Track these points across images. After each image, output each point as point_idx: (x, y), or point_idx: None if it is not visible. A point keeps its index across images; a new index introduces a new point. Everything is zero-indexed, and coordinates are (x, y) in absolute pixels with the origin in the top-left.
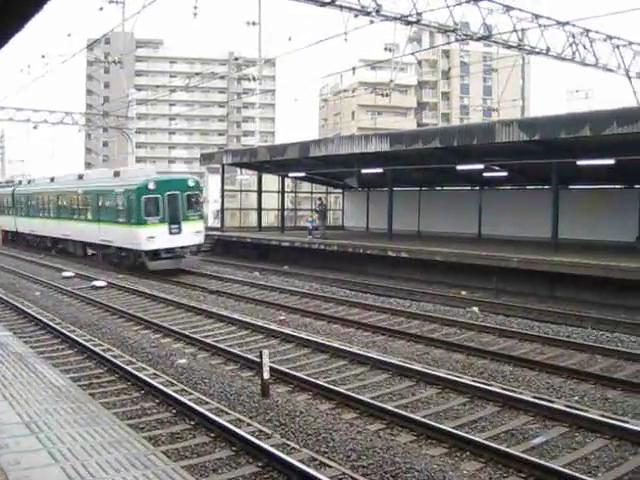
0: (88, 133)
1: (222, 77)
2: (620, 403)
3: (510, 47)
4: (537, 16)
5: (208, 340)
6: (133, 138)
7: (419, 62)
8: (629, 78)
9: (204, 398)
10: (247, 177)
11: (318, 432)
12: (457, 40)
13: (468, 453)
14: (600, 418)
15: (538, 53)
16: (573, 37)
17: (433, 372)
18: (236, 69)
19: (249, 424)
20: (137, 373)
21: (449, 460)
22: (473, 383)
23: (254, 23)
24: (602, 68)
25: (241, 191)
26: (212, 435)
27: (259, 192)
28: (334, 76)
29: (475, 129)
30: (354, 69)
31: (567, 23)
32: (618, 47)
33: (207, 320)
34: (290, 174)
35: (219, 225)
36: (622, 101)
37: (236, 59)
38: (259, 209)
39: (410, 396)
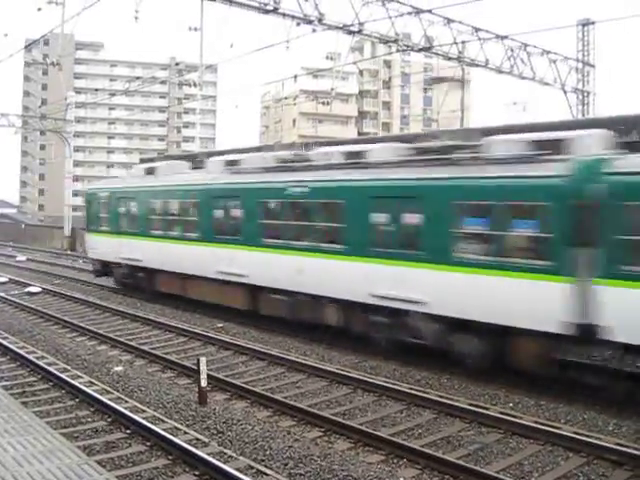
0: (25, 136)
1: (163, 82)
2: (553, 409)
3: (450, 59)
4: (477, 29)
5: (145, 347)
6: (71, 142)
7: (360, 71)
8: (564, 92)
9: (140, 406)
10: None
11: (256, 440)
12: (398, 51)
13: (405, 460)
14: (534, 424)
15: (477, 65)
16: (512, 51)
17: (370, 380)
18: (177, 74)
19: (186, 432)
20: (72, 381)
21: (386, 467)
22: (410, 391)
23: (196, 29)
24: (539, 82)
25: None
26: (148, 444)
27: None
28: (276, 83)
29: None
30: (296, 77)
31: (506, 37)
32: (555, 62)
33: (144, 327)
34: None
35: None
36: (557, 113)
37: (177, 64)
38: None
39: (348, 403)
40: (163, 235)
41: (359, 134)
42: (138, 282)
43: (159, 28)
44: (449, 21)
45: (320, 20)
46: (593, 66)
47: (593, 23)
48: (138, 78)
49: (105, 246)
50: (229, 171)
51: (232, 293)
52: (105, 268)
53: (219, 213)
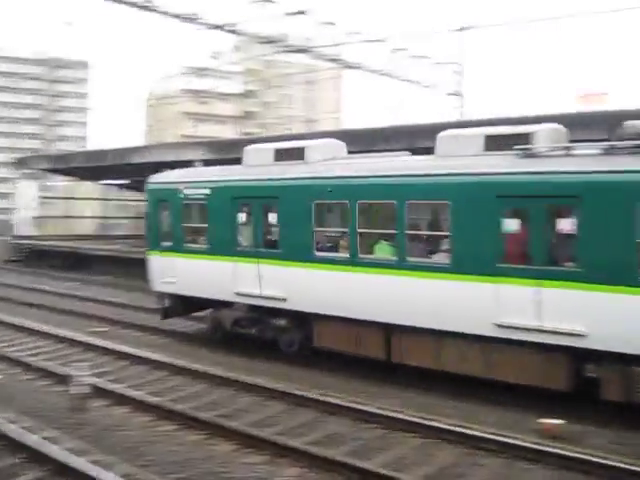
0: None
1: (34, 79)
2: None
3: (329, 60)
4: (356, 33)
5: (21, 355)
6: None
7: (243, 71)
8: (442, 95)
9: (15, 416)
10: (67, 183)
11: (137, 446)
12: (279, 51)
13: (288, 459)
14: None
15: (356, 67)
16: (390, 54)
17: (252, 381)
18: (49, 70)
19: (63, 441)
20: None
21: (269, 467)
22: (292, 391)
23: (70, 23)
24: (417, 84)
25: (58, 198)
26: (24, 456)
27: (79, 199)
28: (160, 82)
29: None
30: (177, 76)
31: (384, 40)
32: (433, 65)
33: (19, 334)
34: (108, 181)
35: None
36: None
37: (49, 60)
38: (84, 217)
39: (230, 405)
40: (350, 260)
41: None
42: (269, 332)
43: (31, 22)
44: (329, 24)
45: (196, 19)
46: (464, 70)
47: (468, 29)
48: (5, 73)
49: (195, 274)
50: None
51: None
52: (186, 307)
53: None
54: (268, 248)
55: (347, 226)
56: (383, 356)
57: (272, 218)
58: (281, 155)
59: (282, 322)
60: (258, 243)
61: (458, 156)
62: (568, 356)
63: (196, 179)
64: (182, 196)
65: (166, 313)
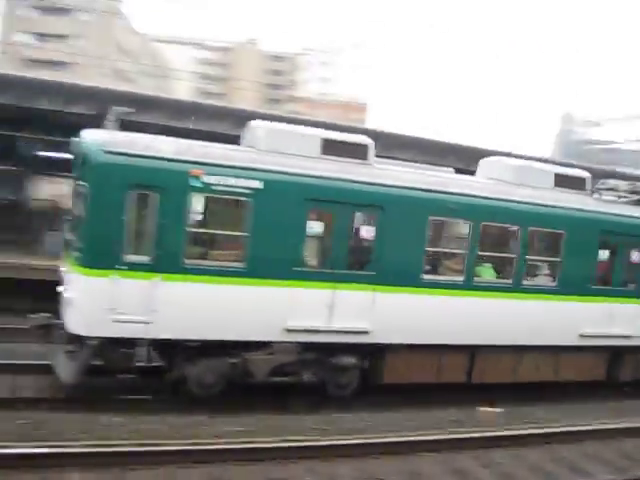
0: None
1: None
2: None
3: None
4: None
5: None
6: None
7: None
8: None
9: None
10: None
11: None
12: None
13: None
14: None
15: None
16: None
17: None
18: None
19: None
20: None
21: None
22: None
23: None
24: None
25: None
26: None
27: None
28: None
29: None
30: None
31: None
32: None
33: None
34: None
35: None
36: None
37: None
38: None
39: None
40: (465, 284)
41: None
42: (323, 374)
43: None
44: None
45: None
46: None
47: None
48: None
49: (206, 306)
50: None
51: None
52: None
53: None
54: (352, 269)
55: (466, 247)
56: (464, 379)
57: (366, 232)
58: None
59: (351, 360)
60: (336, 263)
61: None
62: None
63: (231, 162)
64: (196, 185)
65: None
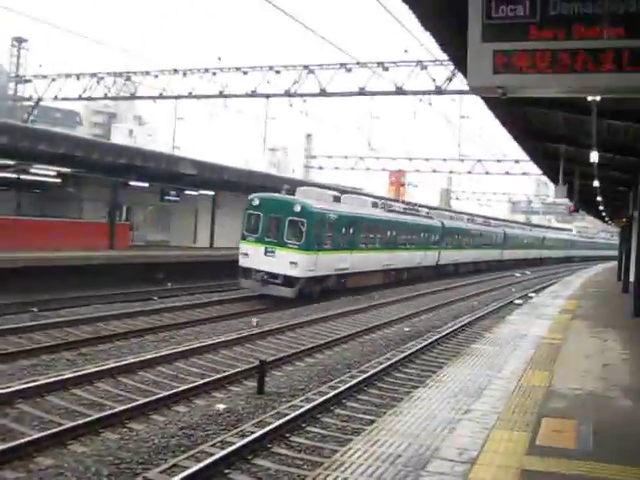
0: None
1: None
2: None
3: None
4: None
5: None
6: None
7: None
8: None
9: None
10: None
11: None
12: None
13: None
14: None
15: None
16: None
17: None
18: None
19: None
20: None
21: None
22: None
23: None
24: None
25: None
26: None
27: None
28: None
29: None
30: None
31: None
32: None
33: None
34: None
35: None
36: None
37: None
38: None
39: None
40: None
41: None
42: None
43: None
44: None
45: None
46: None
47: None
48: None
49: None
50: None
51: None
52: None
53: None
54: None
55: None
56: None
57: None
58: None
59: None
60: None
61: None
62: None
63: (336, 208)
64: (329, 217)
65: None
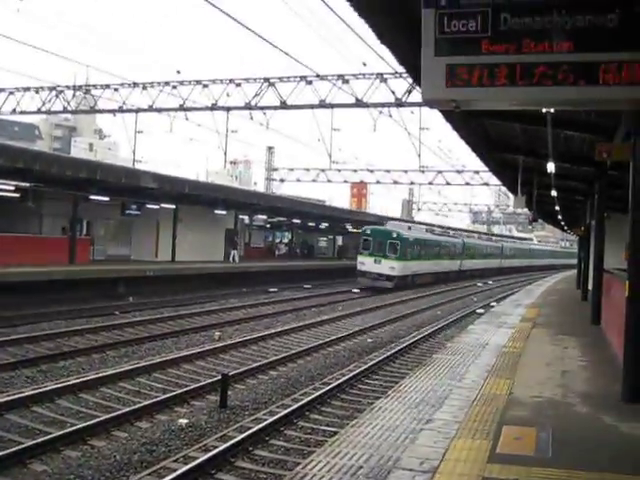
0: None
1: None
2: None
3: None
4: None
5: None
6: None
7: None
8: None
9: None
10: None
11: None
12: None
13: None
14: None
15: None
16: None
17: None
18: None
19: None
20: None
21: None
22: None
23: None
24: None
25: None
26: None
27: None
28: None
29: None
30: None
31: None
32: None
33: None
34: None
35: None
36: None
37: None
38: None
39: None
40: None
41: None
42: None
43: None
44: None
45: None
46: None
47: None
48: None
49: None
50: None
51: None
52: None
53: None
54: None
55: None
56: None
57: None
58: None
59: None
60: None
61: None
62: None
63: (418, 235)
64: (410, 240)
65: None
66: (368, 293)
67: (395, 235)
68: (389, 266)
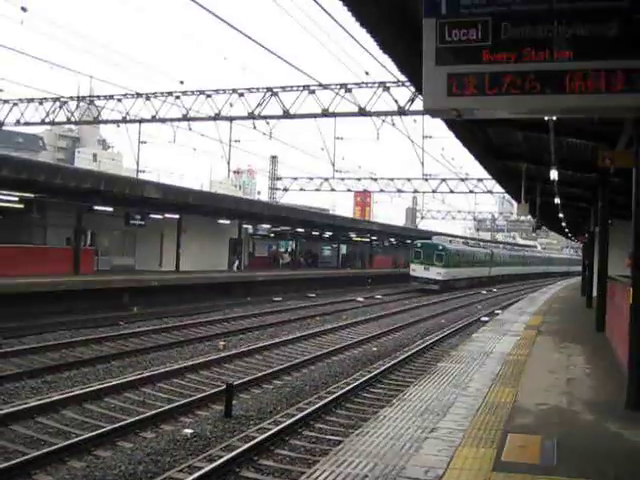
0: None
1: None
2: None
3: None
4: None
5: None
6: None
7: None
8: None
9: None
10: None
11: None
12: None
13: None
14: None
15: None
16: None
17: None
18: None
19: None
20: None
21: None
22: None
23: None
24: None
25: None
26: None
27: None
28: None
29: None
30: None
31: None
32: None
33: None
34: None
35: None
36: None
37: None
38: None
39: None
40: None
41: None
42: None
43: None
44: None
45: None
46: None
47: None
48: None
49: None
50: None
51: None
52: None
53: None
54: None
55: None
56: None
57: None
58: None
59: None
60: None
61: None
62: None
63: (456, 247)
64: (452, 251)
65: (441, 288)
66: (372, 301)
67: (441, 247)
68: (436, 272)
